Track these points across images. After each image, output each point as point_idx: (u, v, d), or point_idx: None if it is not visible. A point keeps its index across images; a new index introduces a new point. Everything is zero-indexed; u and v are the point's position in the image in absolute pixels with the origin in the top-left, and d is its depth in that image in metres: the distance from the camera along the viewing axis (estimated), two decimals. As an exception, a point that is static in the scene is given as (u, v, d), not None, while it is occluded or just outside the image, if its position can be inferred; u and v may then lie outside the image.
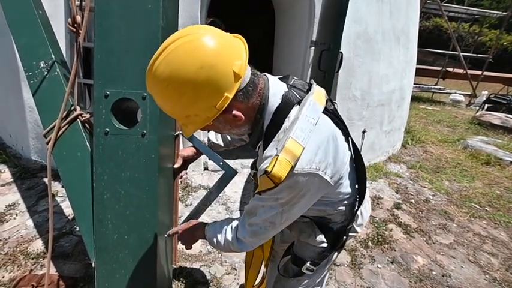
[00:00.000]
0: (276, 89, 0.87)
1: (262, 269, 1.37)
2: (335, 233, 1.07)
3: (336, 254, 1.17)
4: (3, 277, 1.98)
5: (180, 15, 1.55)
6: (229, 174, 1.42)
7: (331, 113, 0.90)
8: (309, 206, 0.91)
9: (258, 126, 0.88)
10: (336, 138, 0.87)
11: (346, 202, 1.03)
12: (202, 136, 1.48)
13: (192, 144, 1.39)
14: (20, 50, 1.41)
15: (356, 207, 1.04)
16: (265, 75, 0.91)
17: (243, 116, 0.81)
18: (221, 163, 1.41)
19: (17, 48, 1.42)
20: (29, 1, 1.45)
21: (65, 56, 1.54)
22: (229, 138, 1.38)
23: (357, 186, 1.03)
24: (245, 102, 0.80)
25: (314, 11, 3.29)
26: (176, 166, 1.36)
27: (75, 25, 1.29)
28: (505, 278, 2.40)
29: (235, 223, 1.01)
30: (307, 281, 1.19)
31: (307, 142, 0.78)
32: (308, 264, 1.10)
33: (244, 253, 2.31)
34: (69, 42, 2.87)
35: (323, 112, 0.86)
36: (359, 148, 3.84)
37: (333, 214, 1.05)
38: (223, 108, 0.74)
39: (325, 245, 1.09)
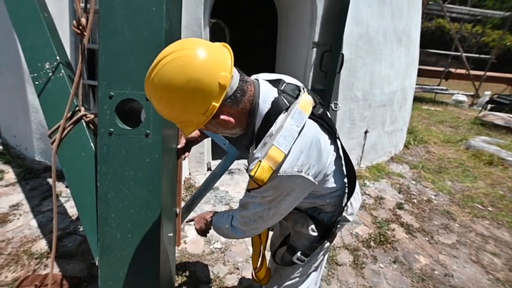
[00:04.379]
0: (266, 95, 0.93)
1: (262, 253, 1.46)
2: (325, 223, 1.16)
3: (328, 243, 1.26)
4: (6, 277, 1.99)
5: (184, 17, 1.56)
6: (233, 154, 1.49)
7: (318, 117, 0.96)
8: (296, 203, 1.01)
9: (250, 129, 0.96)
10: (319, 142, 0.93)
11: (334, 194, 1.12)
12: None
13: None
14: (25, 51, 1.44)
15: (345, 199, 1.13)
16: (256, 79, 0.98)
17: (232, 120, 0.88)
18: (224, 144, 1.48)
19: (22, 49, 1.44)
20: (34, 3, 1.48)
21: (69, 57, 1.56)
22: None
23: (345, 180, 1.12)
24: (234, 107, 0.87)
25: (316, 13, 3.31)
26: (179, 147, 1.41)
27: (80, 27, 1.31)
28: (508, 278, 2.39)
29: (233, 212, 1.13)
30: (302, 268, 1.27)
31: (289, 149, 0.86)
32: (299, 254, 1.18)
33: (248, 252, 2.34)
34: (73, 43, 2.90)
35: (310, 117, 0.93)
36: (361, 149, 3.83)
37: (323, 205, 1.15)
38: (212, 114, 0.82)
39: (316, 234, 1.17)
